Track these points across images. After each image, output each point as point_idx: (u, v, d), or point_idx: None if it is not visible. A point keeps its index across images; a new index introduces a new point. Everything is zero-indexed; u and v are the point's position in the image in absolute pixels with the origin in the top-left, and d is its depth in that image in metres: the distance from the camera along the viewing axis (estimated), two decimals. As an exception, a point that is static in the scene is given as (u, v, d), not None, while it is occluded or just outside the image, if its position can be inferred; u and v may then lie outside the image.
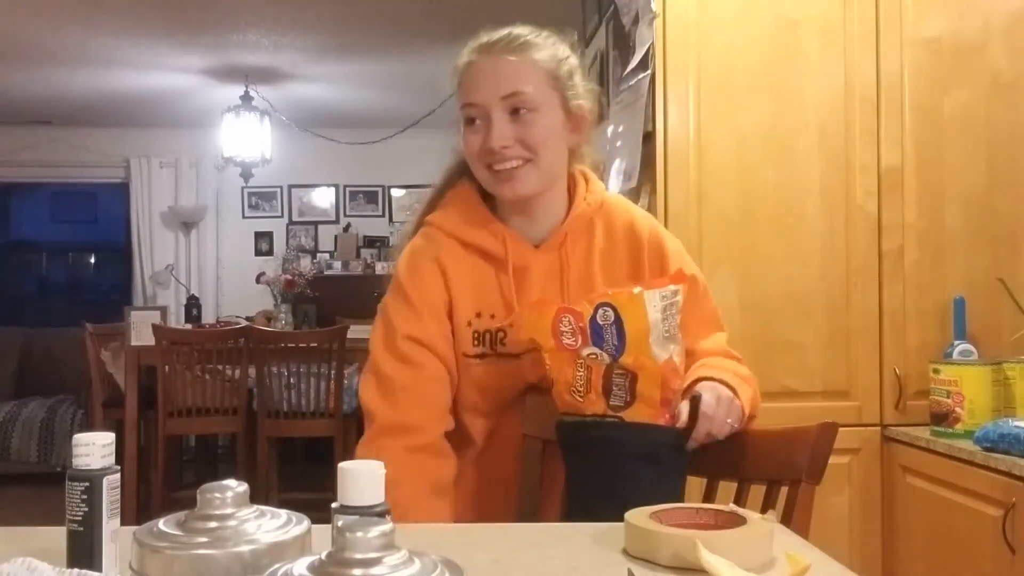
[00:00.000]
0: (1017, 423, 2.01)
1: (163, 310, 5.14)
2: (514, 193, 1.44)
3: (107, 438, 0.91)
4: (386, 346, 1.44)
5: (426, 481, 1.38)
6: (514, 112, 1.40)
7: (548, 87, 1.43)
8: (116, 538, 0.90)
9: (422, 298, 1.45)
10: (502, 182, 1.43)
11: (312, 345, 4.62)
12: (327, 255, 7.27)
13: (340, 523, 0.71)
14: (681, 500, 1.31)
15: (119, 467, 0.91)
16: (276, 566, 0.70)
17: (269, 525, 0.81)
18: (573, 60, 1.49)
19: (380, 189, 7.47)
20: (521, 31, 1.45)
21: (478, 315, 1.46)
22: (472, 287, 1.46)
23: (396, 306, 1.46)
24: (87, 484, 0.89)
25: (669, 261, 1.47)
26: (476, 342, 1.46)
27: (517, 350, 1.45)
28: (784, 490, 1.33)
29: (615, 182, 2.62)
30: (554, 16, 1.54)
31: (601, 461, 1.32)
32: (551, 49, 1.45)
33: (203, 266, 7.28)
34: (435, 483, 1.40)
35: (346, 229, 7.35)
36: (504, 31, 1.45)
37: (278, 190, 7.38)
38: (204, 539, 0.78)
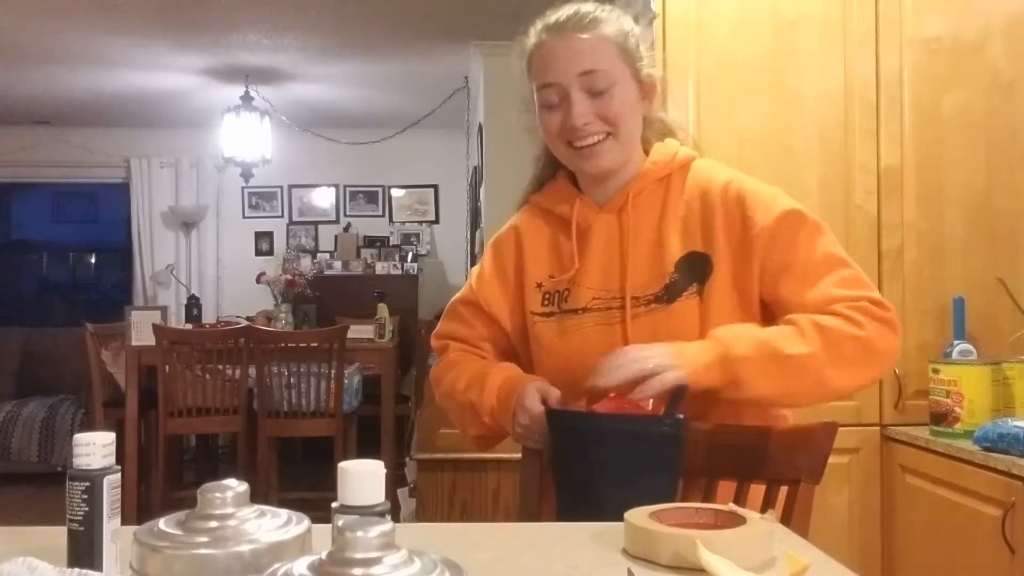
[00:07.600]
0: (1016, 423, 2.02)
1: (163, 310, 5.14)
2: (597, 168, 1.47)
3: (107, 438, 0.91)
4: (448, 308, 1.62)
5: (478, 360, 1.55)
6: (591, 89, 1.43)
7: (620, 61, 1.45)
8: (116, 538, 0.91)
9: (492, 265, 1.57)
10: (585, 159, 1.46)
11: (312, 345, 4.63)
12: (327, 255, 7.26)
13: (340, 523, 0.71)
14: (672, 491, 1.32)
15: (119, 467, 0.92)
16: (276, 566, 0.70)
17: (269, 525, 0.81)
18: (638, 30, 1.51)
19: (380, 189, 7.47)
20: (586, 8, 1.46)
21: (551, 277, 1.51)
22: (547, 251, 1.53)
23: (473, 272, 1.62)
24: (87, 484, 0.89)
25: (750, 208, 1.41)
26: (545, 302, 1.51)
27: (579, 305, 1.47)
28: (784, 490, 1.33)
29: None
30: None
31: (592, 449, 1.33)
32: (618, 23, 1.46)
33: (203, 266, 7.28)
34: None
35: (346, 229, 7.35)
36: (570, 9, 1.46)
37: (278, 190, 7.38)
38: (204, 539, 0.78)
